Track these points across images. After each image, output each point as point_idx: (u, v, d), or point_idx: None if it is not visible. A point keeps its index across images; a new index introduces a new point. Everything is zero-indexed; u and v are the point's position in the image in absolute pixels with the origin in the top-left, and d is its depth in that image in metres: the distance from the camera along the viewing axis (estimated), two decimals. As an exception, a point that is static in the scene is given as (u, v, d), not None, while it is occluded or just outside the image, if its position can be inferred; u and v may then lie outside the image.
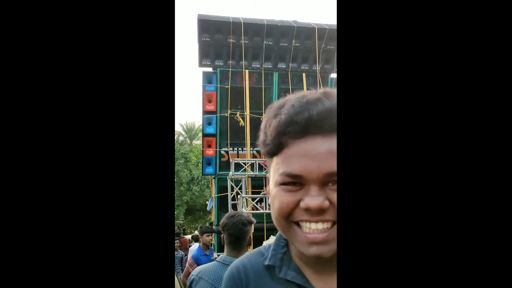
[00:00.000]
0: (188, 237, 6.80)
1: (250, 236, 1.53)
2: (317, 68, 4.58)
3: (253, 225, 1.56)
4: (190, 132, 15.42)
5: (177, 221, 11.18)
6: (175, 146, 11.17)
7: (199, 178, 9.94)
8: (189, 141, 15.19)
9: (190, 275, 1.51)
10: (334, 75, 4.80)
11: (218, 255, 1.55)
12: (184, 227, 12.32)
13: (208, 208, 5.06)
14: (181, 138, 15.95)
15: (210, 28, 4.28)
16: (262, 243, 4.06)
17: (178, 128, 15.78)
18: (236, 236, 1.47)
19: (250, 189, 4.19)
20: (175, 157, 10.50)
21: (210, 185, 5.67)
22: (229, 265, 1.60)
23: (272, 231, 3.86)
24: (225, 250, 1.51)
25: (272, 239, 2.23)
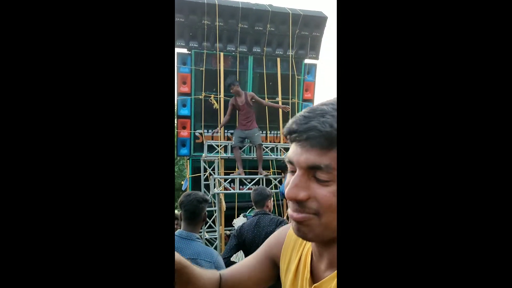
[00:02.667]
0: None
1: (204, 213, 1.68)
2: (290, 53, 4.66)
3: (207, 203, 1.71)
4: (170, 112, 15.23)
5: (156, 201, 11.25)
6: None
7: (178, 159, 9.97)
8: (169, 121, 15.04)
9: None
10: (307, 61, 4.90)
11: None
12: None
13: (183, 188, 5.18)
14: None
15: (184, 8, 4.23)
16: (233, 220, 4.18)
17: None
18: (191, 212, 1.62)
19: (223, 170, 4.34)
20: (154, 137, 10.38)
21: (185, 166, 5.76)
22: (185, 238, 1.77)
23: (242, 210, 4.05)
24: (182, 225, 1.66)
25: (241, 217, 2.46)
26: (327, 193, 0.43)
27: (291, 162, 0.47)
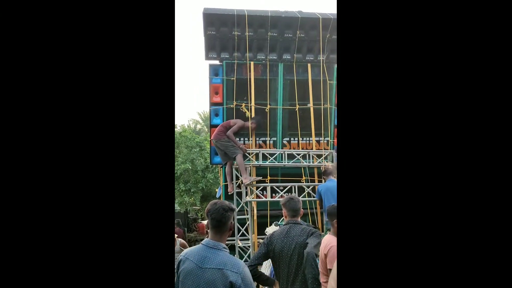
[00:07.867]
0: (205, 222, 7.14)
1: (231, 222, 1.70)
2: (321, 58, 4.59)
3: (234, 212, 1.72)
4: (207, 120, 15.71)
5: (194, 207, 11.60)
6: (191, 135, 11.45)
7: (213, 167, 10.22)
8: (206, 129, 15.51)
9: (179, 256, 1.71)
10: (339, 65, 4.79)
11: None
12: (201, 213, 12.76)
13: (217, 196, 5.28)
14: (198, 126, 16.29)
15: (215, 21, 4.38)
16: (265, 229, 4.17)
17: (195, 116, 16.11)
18: (218, 220, 1.65)
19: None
20: (191, 145, 10.78)
21: (219, 174, 5.88)
22: (212, 247, 1.81)
23: (275, 218, 4.02)
24: (209, 234, 1.69)
25: (273, 226, 2.50)
26: None
27: None
